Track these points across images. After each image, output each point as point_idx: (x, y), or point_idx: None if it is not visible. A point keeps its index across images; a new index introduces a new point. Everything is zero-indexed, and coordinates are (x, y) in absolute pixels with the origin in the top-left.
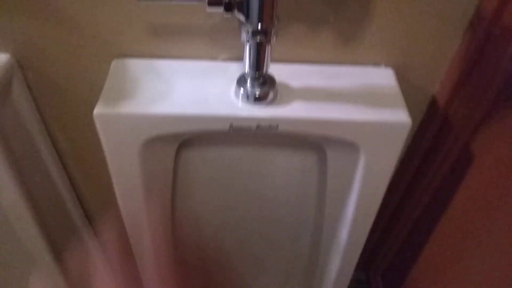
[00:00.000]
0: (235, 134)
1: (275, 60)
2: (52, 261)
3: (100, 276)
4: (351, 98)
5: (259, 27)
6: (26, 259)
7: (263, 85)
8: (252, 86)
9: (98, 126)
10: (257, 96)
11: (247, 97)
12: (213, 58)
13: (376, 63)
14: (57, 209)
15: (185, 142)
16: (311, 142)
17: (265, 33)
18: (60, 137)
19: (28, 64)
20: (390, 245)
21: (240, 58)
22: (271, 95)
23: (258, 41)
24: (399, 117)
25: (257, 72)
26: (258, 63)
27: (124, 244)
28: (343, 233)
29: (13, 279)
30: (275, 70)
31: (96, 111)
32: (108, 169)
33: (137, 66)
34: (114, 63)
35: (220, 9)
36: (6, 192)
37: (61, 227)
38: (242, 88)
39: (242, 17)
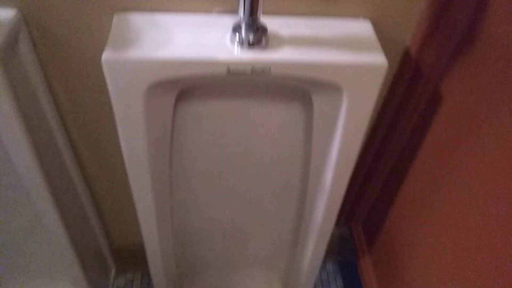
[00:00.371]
0: (231, 81)
1: (265, 13)
2: (58, 218)
3: None
4: (334, 45)
5: None
6: (34, 217)
7: (256, 32)
8: (247, 32)
9: (106, 71)
10: (251, 41)
11: (242, 42)
12: (208, 11)
13: (355, 16)
14: (59, 166)
15: (182, 95)
16: (298, 91)
17: None
18: (61, 93)
19: (33, 20)
20: (369, 194)
21: (232, 11)
22: (263, 41)
23: None
24: (377, 59)
25: (251, 17)
26: (252, 8)
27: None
28: (328, 176)
29: (19, 238)
30: (265, 22)
31: (104, 57)
32: (108, 126)
33: (137, 19)
34: (116, 18)
35: None
36: (14, 141)
37: (65, 189)
38: (237, 34)
39: None
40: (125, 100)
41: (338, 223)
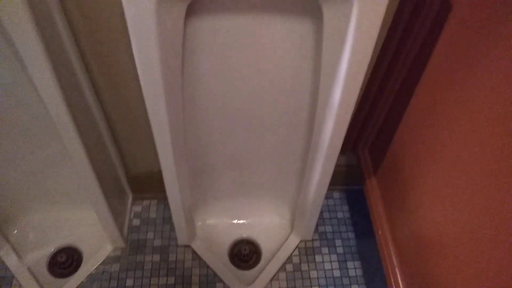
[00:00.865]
0: None
1: None
2: (81, 148)
3: None
4: None
5: None
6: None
7: None
8: None
9: None
10: None
11: None
12: None
13: None
14: (78, 94)
15: (192, 9)
16: (308, 4)
17: None
18: (74, 10)
19: None
20: (376, 119)
21: None
22: None
23: None
24: None
25: None
26: None
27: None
28: (337, 93)
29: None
30: None
31: None
32: (121, 44)
33: None
34: None
35: None
36: (35, 58)
37: (85, 118)
38: None
39: None
40: (138, 10)
41: (345, 149)
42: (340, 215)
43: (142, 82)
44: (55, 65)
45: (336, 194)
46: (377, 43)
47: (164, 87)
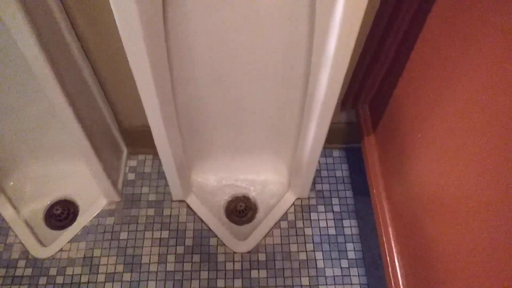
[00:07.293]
0: None
1: None
2: (65, 103)
3: None
4: None
5: None
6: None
7: None
8: None
9: None
10: None
11: None
12: None
13: None
14: (64, 51)
15: None
16: None
17: None
18: None
19: None
20: (377, 73)
21: None
22: None
23: None
24: None
25: None
26: None
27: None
28: (332, 41)
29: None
30: None
31: None
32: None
33: None
34: None
35: None
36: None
37: (71, 73)
38: None
39: None
40: None
41: (345, 106)
42: (338, 173)
43: (120, 29)
44: (32, 14)
45: (335, 153)
46: None
47: (144, 36)
